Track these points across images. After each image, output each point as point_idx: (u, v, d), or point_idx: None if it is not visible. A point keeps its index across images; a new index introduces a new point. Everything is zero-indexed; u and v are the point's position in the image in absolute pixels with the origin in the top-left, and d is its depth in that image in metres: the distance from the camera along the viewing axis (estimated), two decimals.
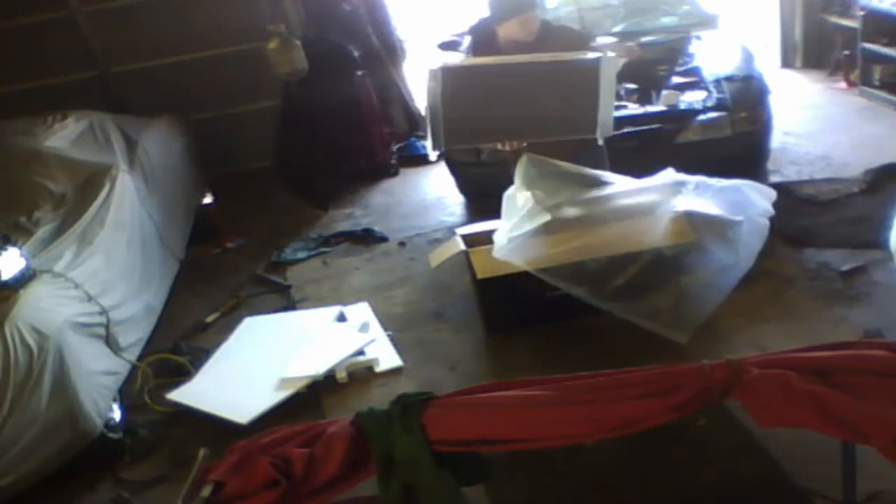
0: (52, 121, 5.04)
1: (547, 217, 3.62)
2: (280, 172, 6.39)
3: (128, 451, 3.68)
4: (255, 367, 4.02)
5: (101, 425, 3.57)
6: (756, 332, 3.69)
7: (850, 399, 2.02)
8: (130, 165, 4.93)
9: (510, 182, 3.86)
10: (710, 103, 4.75)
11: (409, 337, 4.21)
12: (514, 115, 3.73)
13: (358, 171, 6.38)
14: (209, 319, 4.70)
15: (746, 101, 4.75)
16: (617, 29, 5.42)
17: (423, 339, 4.19)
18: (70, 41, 6.41)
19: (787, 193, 4.74)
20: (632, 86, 4.98)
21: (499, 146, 3.95)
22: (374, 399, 3.61)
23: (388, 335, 4.20)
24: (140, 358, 4.21)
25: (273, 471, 2.17)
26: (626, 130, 4.53)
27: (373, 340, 4.12)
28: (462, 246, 4.06)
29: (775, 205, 3.71)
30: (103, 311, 3.86)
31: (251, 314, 4.62)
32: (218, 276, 5.24)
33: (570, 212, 3.71)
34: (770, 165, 5.13)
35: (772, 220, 3.69)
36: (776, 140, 5.20)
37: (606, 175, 3.81)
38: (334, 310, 4.46)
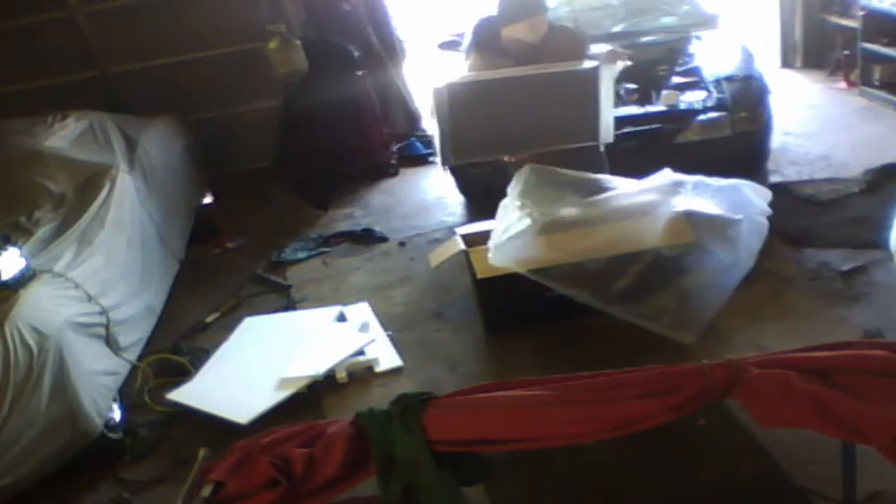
0: (52, 121, 5.04)
1: (541, 221, 3.63)
2: (280, 172, 6.39)
3: (128, 451, 3.68)
4: (255, 367, 4.02)
5: (101, 425, 3.57)
6: (756, 332, 3.69)
7: (850, 399, 2.02)
8: (130, 165, 4.93)
9: (510, 182, 3.88)
10: (710, 103, 4.75)
11: (409, 337, 4.21)
12: (519, 127, 3.82)
13: (358, 171, 6.38)
14: (209, 319, 4.70)
15: (746, 101, 4.75)
16: (617, 29, 5.42)
17: (423, 339, 4.19)
18: (70, 41, 6.40)
19: (787, 193, 4.74)
20: (632, 86, 4.98)
21: (505, 158, 4.00)
22: (374, 399, 3.62)
23: (388, 335, 4.20)
24: (140, 358, 4.21)
25: (273, 471, 2.17)
26: (626, 130, 4.53)
27: (373, 340, 4.12)
28: (462, 246, 4.06)
29: (775, 205, 3.72)
30: (103, 311, 3.86)
31: (251, 314, 4.62)
32: (218, 276, 5.24)
33: (568, 213, 3.71)
34: (770, 165, 5.13)
35: (772, 219, 3.69)
36: (776, 140, 5.20)
37: (607, 180, 3.83)
38: (334, 310, 4.46)
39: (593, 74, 3.68)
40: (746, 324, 3.75)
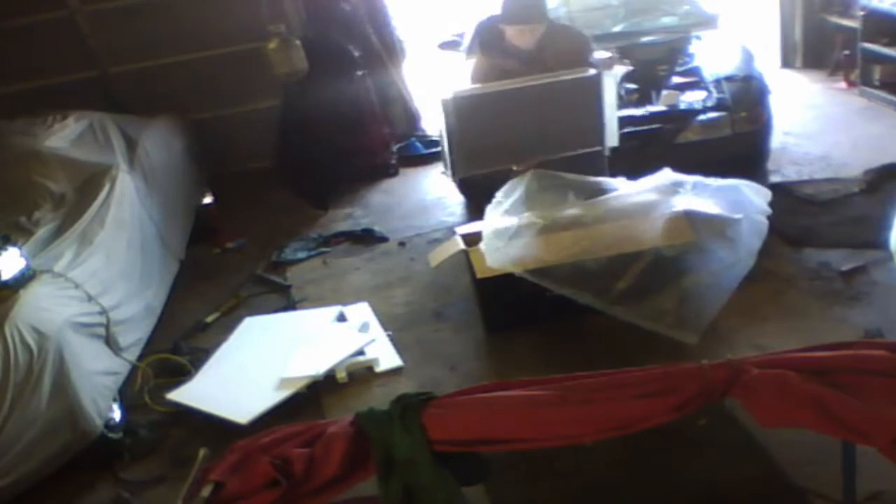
0: (52, 121, 5.05)
1: (541, 223, 3.64)
2: (280, 172, 6.40)
3: (128, 451, 3.68)
4: (255, 367, 4.02)
5: (101, 425, 3.57)
6: (756, 332, 3.69)
7: (850, 399, 2.02)
8: (130, 165, 4.93)
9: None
10: (710, 103, 4.74)
11: (409, 337, 4.21)
12: (525, 137, 3.87)
13: (358, 172, 6.38)
14: (209, 319, 4.70)
15: (746, 101, 4.75)
16: (617, 29, 5.42)
17: (423, 339, 4.19)
18: (70, 41, 6.40)
19: (787, 193, 4.74)
20: (632, 86, 4.98)
21: (514, 168, 4.01)
22: (374, 399, 3.61)
23: (388, 335, 4.20)
24: (140, 358, 4.21)
25: (273, 471, 2.17)
26: (626, 130, 4.53)
27: (373, 340, 4.12)
28: (462, 245, 4.06)
29: (775, 205, 3.72)
30: (103, 311, 3.86)
31: (251, 314, 4.62)
32: (218, 276, 5.24)
33: (569, 214, 3.72)
34: (770, 165, 5.13)
35: (772, 219, 3.69)
36: (776, 140, 5.20)
37: (608, 182, 3.84)
38: (334, 310, 4.46)
39: (595, 81, 3.71)
40: (746, 324, 3.75)
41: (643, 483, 2.92)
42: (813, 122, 6.01)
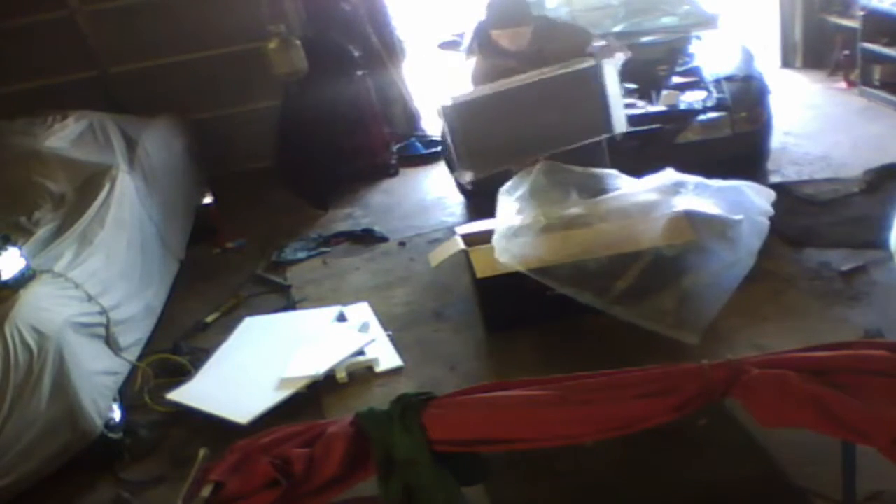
0: (52, 121, 5.05)
1: (545, 221, 3.64)
2: (280, 172, 6.40)
3: (128, 451, 3.68)
4: (255, 367, 4.02)
5: (101, 425, 3.57)
6: (756, 332, 3.69)
7: (850, 399, 2.02)
8: (130, 165, 4.93)
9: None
10: (710, 103, 4.74)
11: (409, 337, 4.21)
12: (533, 132, 3.85)
13: (358, 171, 6.38)
14: (209, 319, 4.70)
15: (746, 101, 4.74)
16: (617, 29, 5.41)
17: (423, 339, 4.19)
18: (70, 41, 6.41)
19: (787, 193, 4.74)
20: (632, 86, 4.98)
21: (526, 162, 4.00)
22: (374, 399, 3.62)
23: (388, 335, 4.20)
24: (140, 358, 4.21)
25: (273, 471, 2.17)
26: (626, 130, 4.53)
27: (373, 340, 4.12)
28: (462, 245, 4.06)
29: (775, 205, 3.71)
30: (103, 311, 3.86)
31: (251, 314, 4.62)
32: (218, 276, 5.24)
33: (571, 213, 3.72)
34: (770, 165, 5.13)
35: (772, 219, 3.69)
36: (776, 140, 5.19)
37: (612, 179, 3.83)
38: (334, 310, 4.46)
39: (595, 72, 3.70)
40: (746, 324, 3.75)
41: (643, 483, 2.92)
42: (813, 122, 6.01)
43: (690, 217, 3.57)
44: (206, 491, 2.17)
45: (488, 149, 3.87)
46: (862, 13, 6.04)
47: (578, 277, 3.56)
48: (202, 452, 2.35)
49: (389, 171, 6.46)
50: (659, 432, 2.24)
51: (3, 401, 3.28)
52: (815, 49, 6.97)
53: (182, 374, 4.15)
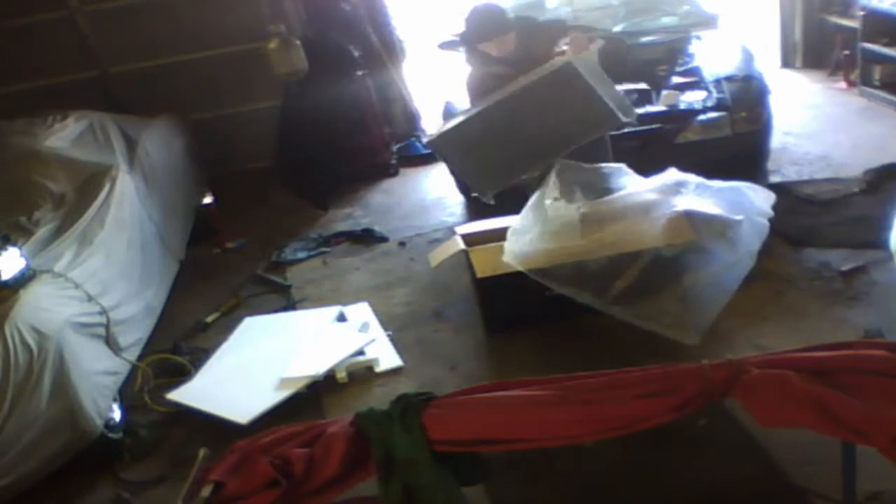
0: (52, 121, 5.05)
1: (554, 222, 3.63)
2: (280, 172, 6.40)
3: (128, 451, 3.68)
4: (255, 367, 4.02)
5: (101, 425, 3.57)
6: (756, 332, 3.68)
7: (850, 399, 2.02)
8: (130, 165, 4.93)
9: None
10: (710, 103, 4.74)
11: (409, 337, 4.21)
12: (534, 139, 3.81)
13: (358, 171, 6.38)
14: (209, 319, 4.70)
15: (746, 101, 4.75)
16: (617, 29, 5.41)
17: (423, 339, 4.19)
18: (70, 41, 6.40)
19: (787, 193, 4.74)
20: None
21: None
22: (374, 399, 3.62)
23: (388, 335, 4.20)
24: (140, 358, 4.21)
25: (273, 471, 2.17)
26: (626, 130, 4.53)
27: (373, 340, 4.12)
28: (462, 245, 4.06)
29: (775, 205, 3.72)
30: (103, 311, 3.86)
31: (251, 314, 4.62)
32: (218, 276, 5.24)
33: (573, 213, 3.71)
34: (770, 165, 5.13)
35: (772, 220, 3.69)
36: (776, 140, 5.20)
37: (623, 177, 3.82)
38: (334, 310, 4.46)
39: (568, 70, 3.64)
40: (746, 324, 3.75)
41: (643, 483, 2.92)
42: (813, 122, 6.01)
43: (690, 217, 3.57)
44: (206, 491, 2.17)
45: (494, 164, 3.85)
46: (862, 13, 6.04)
47: (578, 277, 3.56)
48: (202, 452, 2.35)
49: (389, 171, 6.46)
50: (659, 432, 2.24)
51: (4, 401, 3.28)
52: (815, 49, 6.97)
53: (182, 374, 4.14)
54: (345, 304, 4.54)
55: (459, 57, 5.29)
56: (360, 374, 3.96)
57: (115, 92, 6.46)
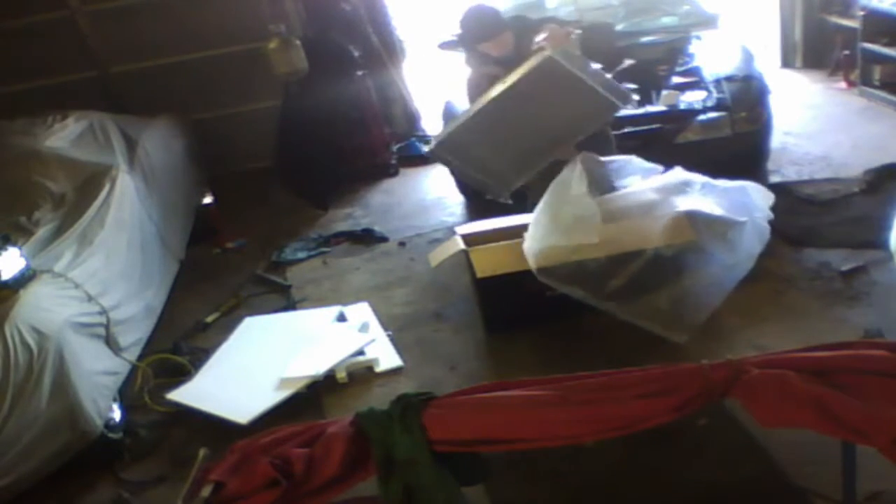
0: (52, 121, 5.05)
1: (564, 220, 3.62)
2: (280, 172, 6.39)
3: (128, 451, 3.69)
4: (255, 367, 4.02)
5: (101, 425, 3.57)
6: (756, 332, 3.68)
7: (850, 399, 2.02)
8: (130, 165, 4.93)
9: None
10: (710, 103, 4.74)
11: (409, 337, 4.21)
12: (535, 136, 3.80)
13: (358, 171, 6.38)
14: (209, 319, 4.70)
15: (746, 101, 4.75)
16: (617, 29, 5.42)
17: (423, 339, 4.19)
18: (70, 41, 6.41)
19: (787, 193, 4.74)
20: (632, 86, 4.97)
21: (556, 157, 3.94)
22: (374, 399, 3.61)
23: (388, 335, 4.20)
24: (140, 358, 4.21)
25: (273, 471, 2.17)
26: (626, 130, 4.53)
27: (373, 340, 4.12)
28: (462, 245, 4.06)
29: (775, 205, 3.71)
30: (103, 311, 3.86)
31: (251, 314, 4.62)
32: (218, 276, 5.24)
33: (576, 211, 3.71)
34: (770, 165, 5.13)
35: (772, 220, 3.69)
36: (776, 140, 5.20)
37: (637, 173, 3.82)
38: (334, 310, 4.46)
39: (550, 63, 3.62)
40: (746, 324, 3.75)
41: (643, 483, 2.92)
42: (813, 122, 6.01)
43: (692, 217, 3.57)
44: (206, 491, 2.17)
45: (500, 165, 3.85)
46: (862, 13, 6.04)
47: (577, 276, 3.56)
48: (202, 452, 2.35)
49: (389, 171, 6.46)
50: (659, 432, 2.24)
51: (4, 401, 3.28)
52: (815, 49, 6.97)
53: (182, 374, 4.14)
54: (345, 304, 4.54)
55: (459, 57, 5.31)
56: (360, 374, 3.96)
57: (115, 92, 6.46)
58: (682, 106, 4.81)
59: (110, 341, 3.90)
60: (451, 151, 3.83)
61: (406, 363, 3.99)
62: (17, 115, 5.18)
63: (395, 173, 6.46)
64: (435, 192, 5.99)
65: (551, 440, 2.25)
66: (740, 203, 3.64)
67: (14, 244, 3.67)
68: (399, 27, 6.96)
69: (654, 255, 3.55)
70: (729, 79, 4.89)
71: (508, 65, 3.80)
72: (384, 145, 6.52)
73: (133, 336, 4.16)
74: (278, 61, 5.90)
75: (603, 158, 3.85)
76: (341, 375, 3.91)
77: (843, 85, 6.58)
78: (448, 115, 5.17)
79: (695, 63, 5.17)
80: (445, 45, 5.71)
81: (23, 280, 3.57)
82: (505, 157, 3.84)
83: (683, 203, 3.61)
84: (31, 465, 3.39)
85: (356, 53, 6.33)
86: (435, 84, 6.56)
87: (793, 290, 4.00)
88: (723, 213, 3.58)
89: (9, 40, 6.26)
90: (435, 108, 5.95)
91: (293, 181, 6.26)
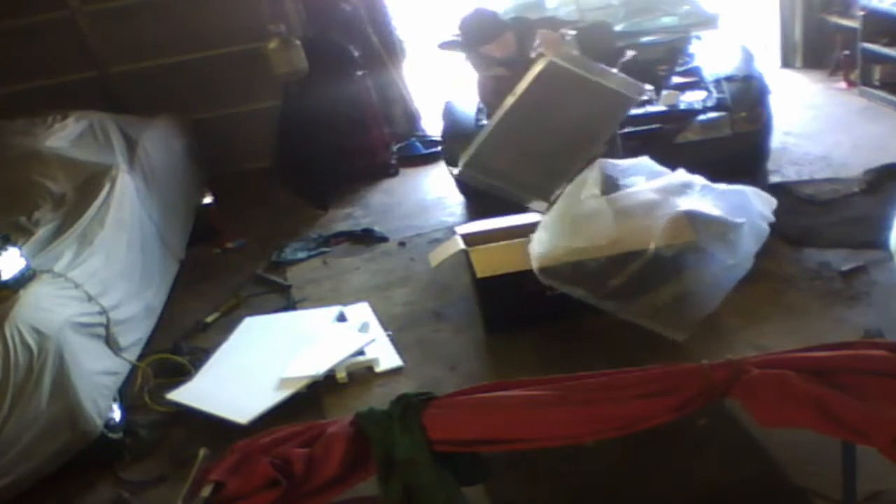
0: (52, 121, 5.05)
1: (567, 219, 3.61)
2: (280, 172, 6.40)
3: (128, 451, 3.69)
4: (255, 367, 4.02)
5: (101, 425, 3.57)
6: (756, 332, 3.68)
7: (850, 399, 2.02)
8: (130, 165, 4.93)
9: None
10: (710, 103, 4.74)
11: (409, 337, 4.21)
12: (560, 135, 3.79)
13: (358, 171, 6.38)
14: (209, 319, 4.70)
15: (746, 101, 4.74)
16: (617, 29, 5.41)
17: (423, 339, 4.19)
18: (70, 41, 6.41)
19: (787, 193, 4.74)
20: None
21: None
22: (374, 399, 3.61)
23: (388, 335, 4.20)
24: (140, 358, 4.21)
25: (273, 471, 2.17)
26: (626, 130, 4.53)
27: (373, 340, 4.12)
28: (462, 245, 4.06)
29: (776, 208, 3.72)
30: (103, 311, 3.86)
31: (251, 314, 4.62)
32: (218, 276, 5.24)
33: (580, 211, 3.70)
34: (770, 165, 5.13)
35: (771, 223, 3.69)
36: (776, 140, 5.19)
37: (628, 179, 3.82)
38: (334, 310, 4.46)
39: (553, 67, 3.61)
40: (746, 324, 3.75)
41: (643, 483, 2.92)
42: (813, 122, 6.01)
43: (691, 217, 3.57)
44: (206, 491, 2.17)
45: (533, 175, 3.85)
46: (862, 13, 6.04)
47: (577, 276, 3.56)
48: (202, 452, 2.35)
49: (389, 171, 6.46)
50: (659, 432, 2.24)
51: (4, 401, 3.28)
52: (815, 49, 6.97)
53: (182, 374, 4.15)
54: (345, 304, 4.54)
55: (459, 57, 5.31)
56: (360, 374, 3.96)
57: (115, 92, 6.46)
58: (682, 106, 4.80)
59: (110, 341, 3.90)
60: (479, 171, 3.82)
61: (406, 363, 3.99)
62: (17, 115, 5.18)
63: (395, 173, 6.46)
64: (435, 192, 5.99)
65: (551, 440, 2.25)
66: (738, 205, 3.64)
67: (14, 244, 3.67)
68: (399, 27, 6.96)
69: (654, 254, 3.55)
70: (729, 79, 4.89)
71: (512, 65, 3.81)
72: (384, 145, 6.52)
73: (133, 336, 4.16)
74: (278, 61, 5.90)
75: (617, 161, 3.85)
76: (341, 375, 3.91)
77: (843, 85, 6.57)
78: (448, 115, 5.17)
79: (695, 63, 5.17)
80: (445, 45, 5.70)
81: (23, 280, 3.57)
82: (533, 166, 3.83)
83: (683, 203, 3.61)
84: (31, 465, 3.39)
85: (356, 53, 6.33)
86: (435, 84, 6.56)
87: (793, 290, 4.00)
88: (721, 214, 3.58)
89: (9, 40, 6.26)
90: (435, 108, 5.95)
91: (293, 181, 6.26)
